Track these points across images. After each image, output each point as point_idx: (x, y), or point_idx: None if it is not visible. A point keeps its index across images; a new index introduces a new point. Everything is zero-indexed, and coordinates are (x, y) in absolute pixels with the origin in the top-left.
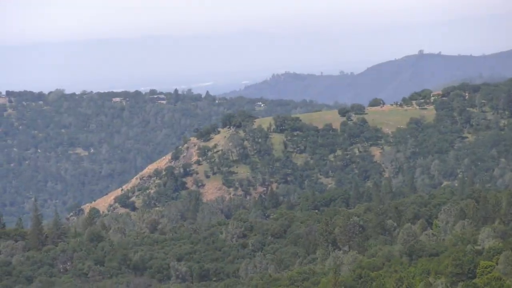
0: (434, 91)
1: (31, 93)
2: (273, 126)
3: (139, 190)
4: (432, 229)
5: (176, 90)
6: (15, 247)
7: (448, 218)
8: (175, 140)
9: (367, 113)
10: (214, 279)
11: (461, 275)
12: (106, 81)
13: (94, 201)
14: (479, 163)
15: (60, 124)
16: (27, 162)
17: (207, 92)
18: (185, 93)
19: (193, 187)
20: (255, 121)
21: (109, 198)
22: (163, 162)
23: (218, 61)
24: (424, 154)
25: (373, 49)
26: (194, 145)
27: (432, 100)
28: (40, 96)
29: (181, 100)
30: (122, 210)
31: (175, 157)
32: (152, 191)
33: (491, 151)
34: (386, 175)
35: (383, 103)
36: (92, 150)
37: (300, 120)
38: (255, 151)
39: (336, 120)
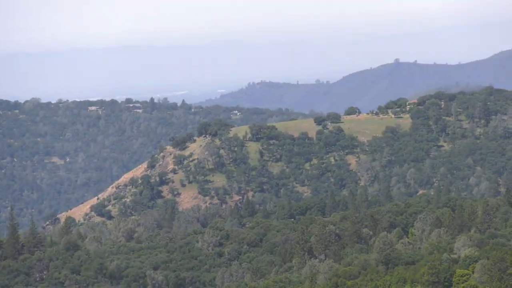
0: (410, 99)
1: (6, 102)
2: (249, 135)
3: (115, 199)
4: (408, 238)
5: (152, 99)
6: None
7: (424, 227)
8: (151, 149)
9: (343, 122)
10: (190, 287)
11: (437, 284)
12: (82, 90)
13: (70, 210)
14: (455, 172)
15: (36, 133)
16: (3, 171)
17: (183, 100)
18: (161, 101)
19: (169, 196)
20: (231, 130)
21: (85, 207)
22: (139, 170)
23: (194, 70)
24: (400, 162)
25: (349, 58)
26: (170, 154)
27: (408, 109)
28: (16, 105)
29: (157, 109)
30: (98, 219)
31: (151, 166)
32: (128, 200)
33: (467, 159)
34: (362, 183)
35: (359, 112)
36: (68, 159)
37: (276, 129)
38: (231, 160)
39: (312, 129)
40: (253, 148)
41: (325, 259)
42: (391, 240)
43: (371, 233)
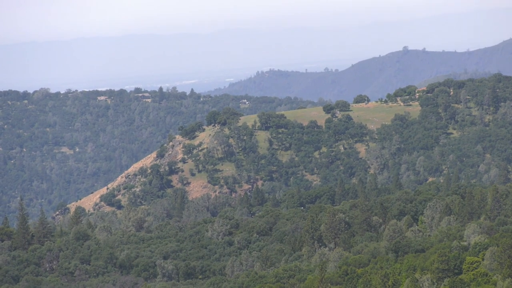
0: (419, 87)
1: (16, 92)
2: (258, 124)
3: (124, 188)
4: (418, 225)
5: (161, 89)
6: (1, 247)
7: (433, 214)
8: (160, 138)
9: (351, 110)
10: (200, 276)
11: (447, 271)
12: (91, 80)
13: (80, 199)
14: (464, 159)
15: (45, 123)
16: (12, 161)
17: (192, 90)
18: (169, 91)
19: (179, 185)
20: (240, 119)
21: (95, 196)
22: (148, 160)
23: (203, 59)
24: (409, 150)
25: (357, 46)
26: (179, 143)
27: (417, 97)
28: (25, 95)
29: (166, 98)
30: (108, 209)
31: (160, 155)
32: (137, 189)
33: (476, 147)
34: (371, 171)
35: (368, 100)
36: (77, 149)
37: (285, 117)
38: (240, 149)
39: (321, 117)
40: (262, 136)
41: (335, 247)
42: (401, 228)
43: (380, 221)
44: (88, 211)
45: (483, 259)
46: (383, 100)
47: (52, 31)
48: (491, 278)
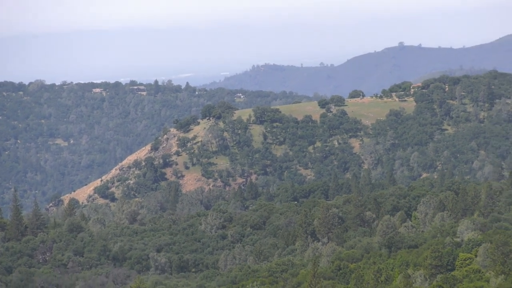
0: (414, 83)
1: (11, 83)
2: (253, 118)
3: (118, 180)
4: (411, 221)
5: (156, 81)
6: None
7: (427, 210)
8: (155, 131)
9: (346, 105)
10: (193, 270)
11: (440, 267)
12: (86, 73)
13: (74, 191)
14: (458, 155)
15: (40, 114)
16: (6, 152)
17: (187, 83)
18: (165, 84)
19: (173, 178)
20: (234, 113)
21: (89, 188)
22: (142, 153)
23: (198, 53)
24: (404, 146)
25: (353, 42)
26: (174, 136)
27: (412, 92)
28: (20, 86)
29: (161, 91)
30: (102, 201)
31: (155, 148)
32: (131, 182)
33: (470, 143)
34: (365, 166)
35: (363, 95)
36: (72, 141)
37: (280, 112)
38: (234, 143)
39: (315, 112)
40: (256, 131)
41: (328, 242)
42: (394, 223)
43: (374, 216)
44: (82, 203)
45: (476, 256)
46: (378, 95)
47: (49, 24)
48: (484, 275)
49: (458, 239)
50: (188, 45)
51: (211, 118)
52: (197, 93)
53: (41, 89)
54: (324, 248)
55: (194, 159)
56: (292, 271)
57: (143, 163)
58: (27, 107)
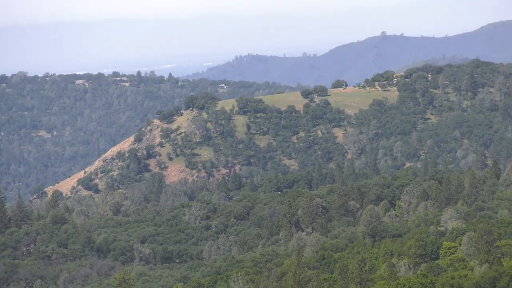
0: (397, 72)
1: None
2: (236, 108)
3: (102, 172)
4: (395, 210)
5: (139, 73)
6: None
7: (411, 199)
8: (138, 122)
9: (329, 95)
10: (178, 261)
11: (424, 256)
12: (68, 64)
13: (57, 183)
14: (442, 144)
15: (23, 106)
16: None
17: (170, 74)
18: (148, 75)
19: (156, 169)
20: (218, 103)
21: (72, 180)
22: (126, 144)
23: (181, 43)
24: (387, 135)
25: (336, 31)
26: (157, 127)
27: (394, 82)
28: (3, 78)
29: (144, 83)
30: (85, 193)
31: (138, 139)
32: (115, 173)
33: (454, 132)
34: (349, 156)
35: (346, 85)
36: (55, 133)
37: (263, 102)
38: (218, 133)
39: (299, 102)
40: (240, 121)
41: (312, 232)
42: (378, 213)
43: (358, 206)
44: (66, 195)
45: (460, 245)
46: (361, 85)
47: (31, 16)
48: (468, 264)
49: (442, 228)
50: (170, 37)
51: (194, 109)
52: (180, 84)
53: (23, 81)
54: (308, 238)
55: (178, 150)
56: (276, 261)
57: (127, 155)
58: (9, 99)
